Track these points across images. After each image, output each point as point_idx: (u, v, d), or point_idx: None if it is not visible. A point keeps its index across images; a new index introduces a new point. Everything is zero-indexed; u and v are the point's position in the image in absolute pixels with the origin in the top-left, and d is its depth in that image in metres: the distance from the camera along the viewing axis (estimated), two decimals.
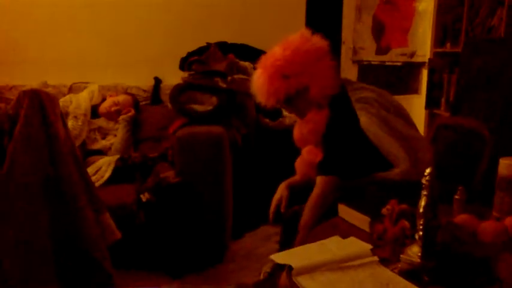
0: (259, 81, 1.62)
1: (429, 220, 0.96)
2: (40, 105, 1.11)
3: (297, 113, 1.69)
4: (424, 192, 0.97)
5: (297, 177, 1.77)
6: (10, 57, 2.82)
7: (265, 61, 1.62)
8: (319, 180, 1.53)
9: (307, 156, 1.69)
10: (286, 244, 1.56)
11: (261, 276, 1.87)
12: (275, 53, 1.60)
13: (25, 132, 1.10)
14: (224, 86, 2.33)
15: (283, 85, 1.56)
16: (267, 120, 2.62)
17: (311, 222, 1.46)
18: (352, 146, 1.54)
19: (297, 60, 1.56)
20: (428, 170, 0.96)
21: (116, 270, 1.45)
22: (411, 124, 1.65)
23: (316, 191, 1.52)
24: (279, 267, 1.29)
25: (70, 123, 2.36)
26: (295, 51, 1.56)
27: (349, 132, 1.56)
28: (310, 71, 1.56)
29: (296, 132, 1.71)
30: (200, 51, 2.66)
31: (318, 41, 1.60)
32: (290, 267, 1.02)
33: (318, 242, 1.15)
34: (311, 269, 1.01)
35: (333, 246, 1.12)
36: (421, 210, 0.97)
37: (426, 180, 0.96)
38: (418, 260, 0.97)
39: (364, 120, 1.49)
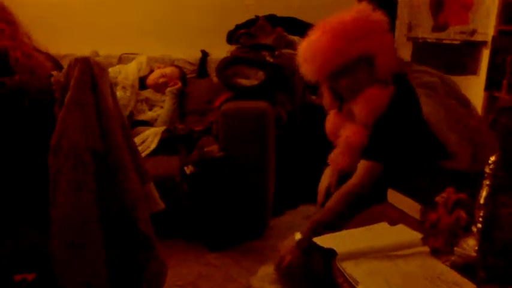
0: (313, 47, 1.40)
1: (490, 212, 0.89)
2: (91, 73, 1.12)
3: (350, 88, 1.43)
4: (487, 182, 0.89)
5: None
6: (61, 27, 2.88)
7: (324, 25, 1.41)
8: (362, 165, 1.36)
9: (353, 137, 1.44)
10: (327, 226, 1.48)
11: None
12: (337, 17, 1.41)
13: (76, 100, 1.10)
14: (271, 60, 2.27)
15: (347, 48, 1.34)
16: (314, 97, 2.55)
17: (338, 208, 1.31)
18: (409, 133, 1.36)
19: (363, 26, 1.37)
20: (493, 158, 0.88)
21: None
22: (475, 114, 1.49)
23: (355, 179, 1.36)
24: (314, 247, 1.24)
25: (118, 93, 2.40)
26: (358, 17, 1.38)
27: (410, 118, 1.37)
28: (377, 39, 1.37)
29: (329, 124, 1.54)
30: (248, 24, 2.60)
31: (378, 17, 1.42)
32: (333, 252, 0.98)
33: (365, 228, 1.11)
34: (356, 255, 0.97)
35: (380, 233, 1.07)
36: (481, 201, 0.89)
37: (490, 169, 0.88)
38: (474, 254, 0.91)
39: (428, 109, 1.33)
